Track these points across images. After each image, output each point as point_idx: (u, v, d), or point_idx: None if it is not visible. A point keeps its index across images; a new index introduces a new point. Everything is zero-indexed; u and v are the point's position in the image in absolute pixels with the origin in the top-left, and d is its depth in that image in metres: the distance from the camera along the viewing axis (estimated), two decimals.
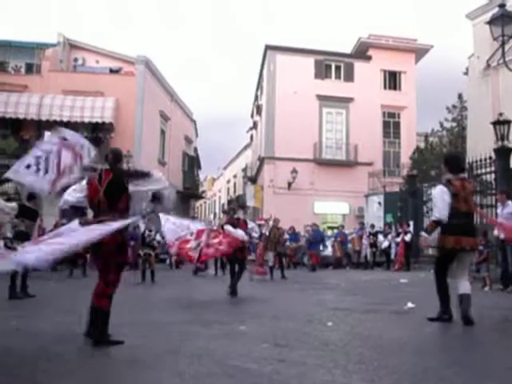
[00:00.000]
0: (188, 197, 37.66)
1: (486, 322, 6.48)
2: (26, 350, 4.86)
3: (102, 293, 5.06)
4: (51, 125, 24.38)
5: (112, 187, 5.21)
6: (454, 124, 32.25)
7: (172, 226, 10.54)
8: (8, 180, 24.08)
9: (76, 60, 28.10)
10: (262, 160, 31.94)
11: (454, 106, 32.24)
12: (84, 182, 5.35)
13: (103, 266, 5.15)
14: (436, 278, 6.56)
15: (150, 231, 14.14)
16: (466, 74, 25.75)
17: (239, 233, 10.12)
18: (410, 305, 7.81)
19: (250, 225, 11.24)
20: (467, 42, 24.05)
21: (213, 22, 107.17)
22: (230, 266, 10.67)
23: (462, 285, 6.27)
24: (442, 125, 33.07)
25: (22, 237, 9.20)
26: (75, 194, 5.28)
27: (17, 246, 9.05)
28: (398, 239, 19.46)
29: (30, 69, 27.15)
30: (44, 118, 24.06)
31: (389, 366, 4.25)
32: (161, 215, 10.63)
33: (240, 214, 10.88)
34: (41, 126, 24.55)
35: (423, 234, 6.68)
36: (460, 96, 31.34)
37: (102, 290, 5.07)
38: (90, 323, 5.08)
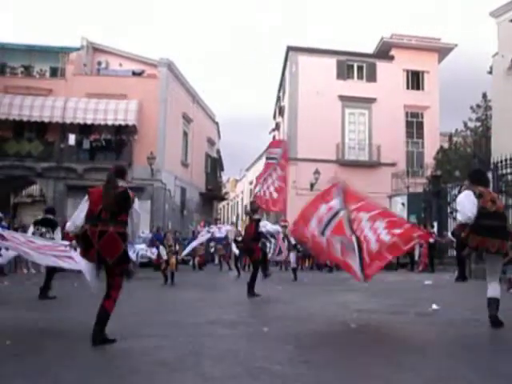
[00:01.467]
0: (211, 198, 37.83)
1: None
2: (52, 349, 4.93)
3: (108, 295, 5.25)
4: (75, 127, 24.74)
5: (119, 201, 5.26)
6: (479, 124, 31.74)
7: None
8: (34, 182, 24.48)
9: (99, 63, 28.36)
10: None
11: (479, 106, 31.74)
12: None
13: (109, 272, 5.31)
14: (457, 253, 6.63)
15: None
16: (490, 72, 25.38)
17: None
18: (434, 306, 7.73)
19: (263, 223, 11.37)
20: (491, 40, 23.75)
21: (234, 22, 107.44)
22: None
23: (492, 288, 6.11)
24: (466, 124, 32.60)
25: None
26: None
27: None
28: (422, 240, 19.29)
29: (54, 73, 27.46)
30: (68, 121, 24.36)
31: (415, 368, 4.21)
32: None
33: (256, 216, 10.97)
34: (65, 129, 24.90)
35: (450, 236, 6.66)
36: (484, 95, 30.83)
37: (109, 293, 5.27)
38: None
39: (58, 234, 9.82)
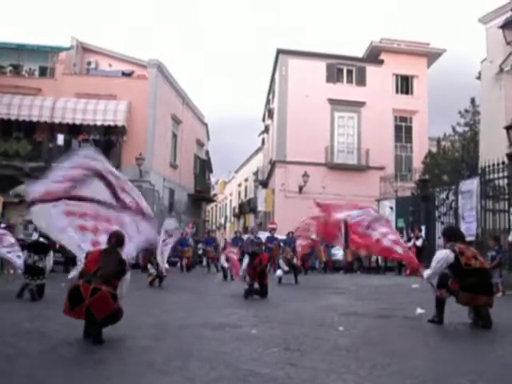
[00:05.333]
0: (199, 200, 37.76)
1: (501, 328, 6.42)
2: (38, 351, 4.88)
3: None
4: (64, 127, 24.60)
5: (117, 266, 5.60)
6: (467, 128, 31.98)
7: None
8: (21, 182, 24.32)
9: (89, 63, 28.25)
10: (273, 164, 31.95)
11: (467, 111, 31.97)
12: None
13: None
14: (438, 290, 6.85)
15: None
16: (478, 78, 25.51)
17: None
18: (419, 310, 7.77)
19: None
20: (480, 46, 23.90)
21: (226, 23, 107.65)
22: None
23: None
24: (454, 129, 32.83)
25: (35, 272, 9.38)
26: None
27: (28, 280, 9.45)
28: (410, 244, 19.34)
29: (43, 72, 27.34)
30: (57, 121, 24.25)
31: (401, 371, 4.22)
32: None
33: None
34: (54, 129, 24.77)
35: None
36: (473, 100, 31.07)
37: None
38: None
39: (49, 260, 9.75)
